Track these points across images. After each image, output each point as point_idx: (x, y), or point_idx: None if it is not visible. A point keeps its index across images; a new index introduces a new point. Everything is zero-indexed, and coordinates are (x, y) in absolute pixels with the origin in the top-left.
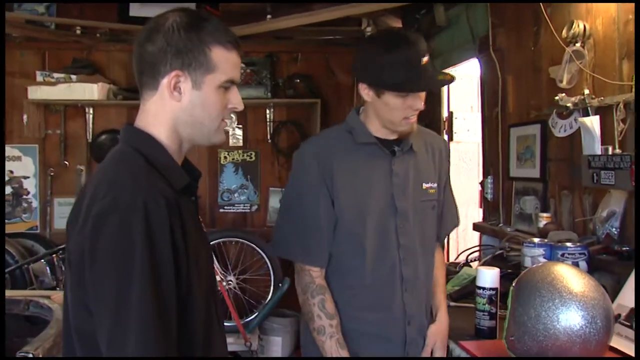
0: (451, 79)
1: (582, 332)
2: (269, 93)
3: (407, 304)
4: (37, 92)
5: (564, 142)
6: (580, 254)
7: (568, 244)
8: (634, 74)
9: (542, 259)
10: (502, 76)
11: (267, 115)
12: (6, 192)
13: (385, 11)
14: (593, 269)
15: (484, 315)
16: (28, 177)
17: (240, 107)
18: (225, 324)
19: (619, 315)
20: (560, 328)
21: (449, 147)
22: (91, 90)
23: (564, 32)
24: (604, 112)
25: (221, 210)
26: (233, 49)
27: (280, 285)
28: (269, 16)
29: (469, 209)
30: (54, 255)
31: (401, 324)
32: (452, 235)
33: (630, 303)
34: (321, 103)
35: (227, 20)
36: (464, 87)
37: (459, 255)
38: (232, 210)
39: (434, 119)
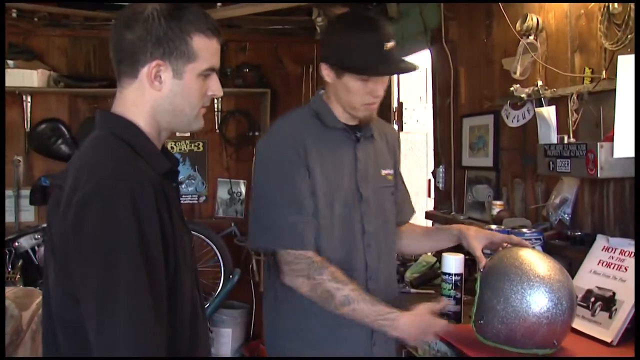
0: (413, 67)
1: (548, 313)
2: None
3: (371, 290)
4: None
5: (516, 132)
6: (536, 239)
7: (525, 230)
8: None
9: None
10: (454, 67)
11: (215, 105)
12: None
13: (336, 2)
14: (547, 254)
15: (450, 300)
16: None
17: (220, 94)
18: None
19: (576, 296)
20: (529, 310)
21: (399, 137)
22: (30, 77)
23: (518, 25)
24: (557, 103)
25: None
26: (213, 36)
27: (230, 276)
28: (219, 4)
29: (418, 199)
30: None
31: None
32: None
33: (586, 285)
34: (270, 93)
35: None
36: (414, 78)
37: None
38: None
39: (384, 109)
